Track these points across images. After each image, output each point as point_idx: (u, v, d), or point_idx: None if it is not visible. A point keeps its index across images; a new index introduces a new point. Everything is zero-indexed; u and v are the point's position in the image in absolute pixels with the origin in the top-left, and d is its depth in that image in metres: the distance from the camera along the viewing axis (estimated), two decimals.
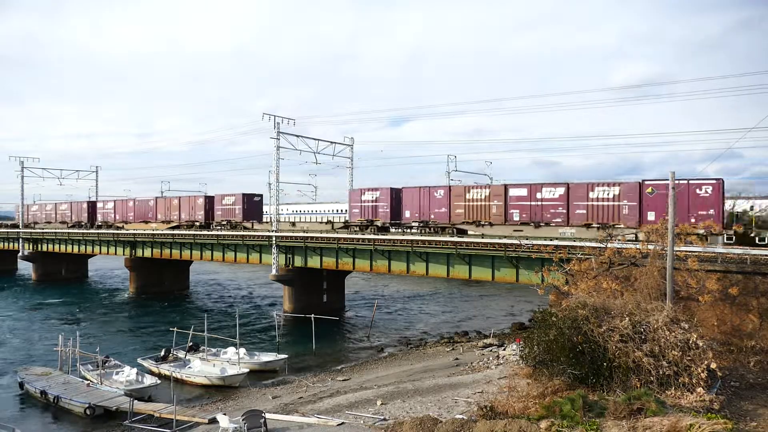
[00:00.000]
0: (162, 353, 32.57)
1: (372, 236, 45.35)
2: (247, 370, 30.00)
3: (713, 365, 15.37)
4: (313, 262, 48.74)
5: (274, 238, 50.60)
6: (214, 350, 33.72)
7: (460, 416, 15.56)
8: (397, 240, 43.43)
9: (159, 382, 27.90)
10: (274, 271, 50.37)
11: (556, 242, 33.77)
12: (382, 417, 17.69)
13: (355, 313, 53.86)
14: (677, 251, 23.57)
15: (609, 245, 28.40)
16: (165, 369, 30.24)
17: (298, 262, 49.97)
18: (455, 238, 40.51)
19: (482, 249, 37.99)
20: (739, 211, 38.74)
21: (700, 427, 11.68)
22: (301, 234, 51.44)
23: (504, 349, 30.61)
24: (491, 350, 31.68)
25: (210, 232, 61.40)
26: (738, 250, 28.08)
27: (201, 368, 30.72)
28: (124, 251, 66.23)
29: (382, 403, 19.81)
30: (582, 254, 29.56)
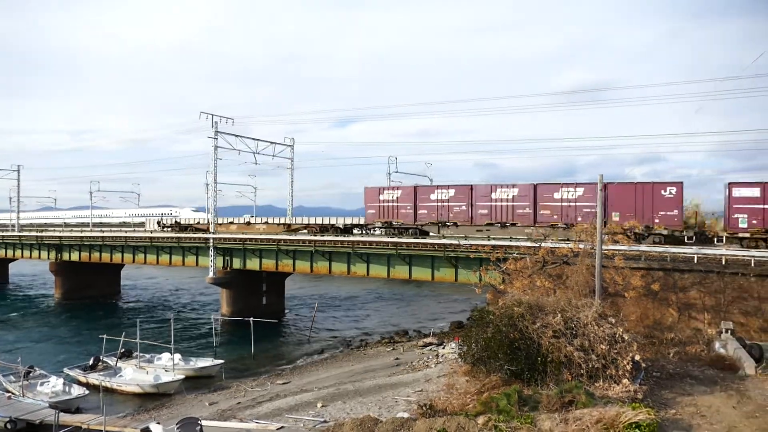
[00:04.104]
0: (91, 362, 31.04)
1: (312, 237, 45.02)
2: (182, 376, 29.05)
3: (637, 357, 16.23)
4: (253, 264, 47.83)
5: (211, 240, 49.29)
6: (147, 357, 32.44)
7: (401, 415, 15.71)
8: (338, 241, 43.32)
9: (87, 392, 26.58)
10: (211, 274, 49.05)
11: (492, 242, 34.69)
12: (322, 419, 17.61)
13: (296, 315, 53.29)
14: (605, 250, 24.77)
15: (543, 245, 29.47)
16: (94, 378, 28.83)
17: (237, 264, 48.89)
18: (395, 239, 40.88)
19: (422, 249, 38.50)
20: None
21: (625, 416, 12.32)
22: (240, 235, 50.38)
23: (443, 348, 31.14)
24: (431, 349, 32.15)
25: (143, 234, 59.17)
26: (659, 249, 29.83)
27: (133, 376, 29.49)
28: (48, 255, 62.60)
29: (322, 405, 19.70)
30: (518, 254, 30.54)
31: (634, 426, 11.98)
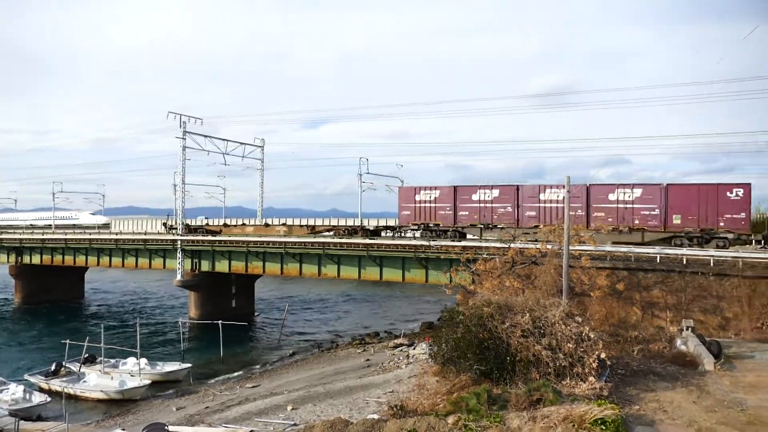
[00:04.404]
0: (53, 367, 30.11)
1: (282, 239, 44.67)
2: (148, 381, 28.46)
3: (603, 355, 16.58)
4: (222, 266, 47.19)
5: (179, 242, 48.43)
6: (112, 362, 31.65)
7: (371, 417, 15.71)
8: (309, 242, 43.09)
9: (49, 399, 25.77)
10: (179, 277, 48.20)
11: (463, 243, 35.02)
12: (292, 422, 17.47)
13: (266, 317, 52.78)
14: (572, 250, 25.24)
15: (512, 245, 29.86)
16: (56, 385, 27.99)
17: (206, 266, 48.16)
18: (366, 240, 40.86)
19: (393, 251, 38.60)
20: None
21: (591, 413, 12.58)
22: (209, 237, 49.64)
23: (414, 349, 31.24)
24: (401, 350, 32.23)
25: (108, 237, 57.77)
26: (623, 249, 30.56)
27: (97, 382, 28.74)
28: (8, 258, 60.55)
29: (292, 408, 19.56)
30: (487, 254, 30.87)
31: (599, 422, 12.23)
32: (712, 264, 27.38)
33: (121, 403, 26.53)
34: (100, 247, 54.76)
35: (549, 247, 27.78)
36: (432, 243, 37.31)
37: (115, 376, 29.35)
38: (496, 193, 37.09)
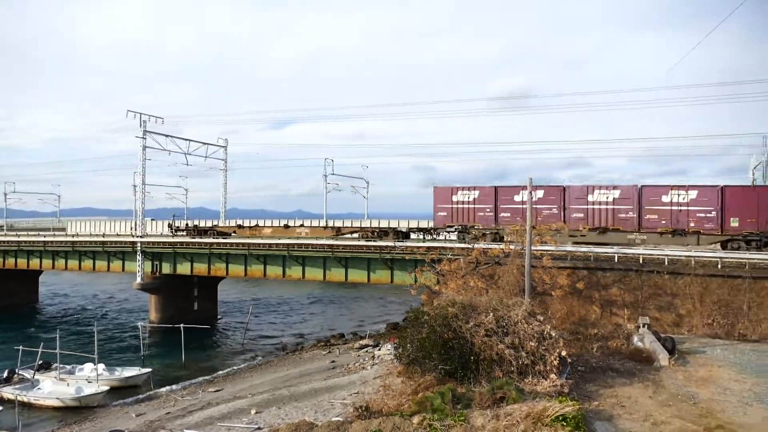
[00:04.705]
0: (5, 374, 29.00)
1: (247, 240, 44.11)
2: (106, 387, 27.66)
3: (564, 353, 16.96)
4: (183, 268, 46.28)
5: (139, 244, 47.24)
6: (68, 368, 30.61)
7: (336, 418, 15.66)
8: (273, 244, 42.67)
9: (1, 408, 24.78)
10: (139, 280, 47.03)
11: (428, 244, 35.26)
12: (256, 426, 17.26)
13: (229, 320, 51.98)
14: (534, 250, 25.75)
15: (475, 246, 30.25)
16: (8, 392, 26.91)
17: (167, 269, 47.14)
18: (330, 241, 40.70)
19: (358, 251, 38.59)
20: None
21: (552, 409, 12.85)
22: (170, 239, 48.60)
23: (379, 349, 31.29)
24: (367, 351, 32.23)
25: (64, 239, 55.91)
26: (583, 248, 31.32)
27: (53, 389, 27.77)
28: None
29: (256, 412, 19.31)
30: (452, 255, 31.19)
31: (560, 419, 12.50)
32: (666, 263, 28.35)
33: (78, 411, 25.70)
34: (56, 249, 52.93)
35: (512, 247, 28.27)
36: (397, 243, 37.48)
37: (71, 382, 28.42)
38: (540, 194, 35.57)
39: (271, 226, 52.26)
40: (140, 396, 27.92)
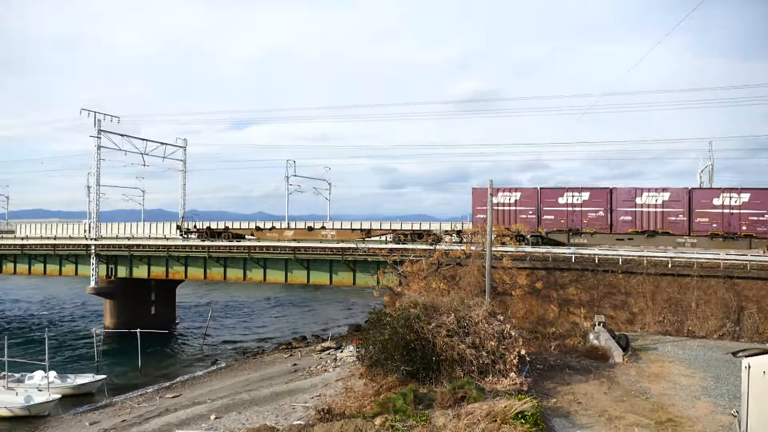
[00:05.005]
0: None
1: (205, 243, 43.32)
2: (58, 395, 26.63)
3: (523, 352, 17.29)
4: (140, 272, 45.06)
5: (93, 247, 45.76)
6: (17, 376, 29.31)
7: (298, 422, 15.53)
8: (233, 246, 42.05)
9: None
10: (93, 284, 45.57)
11: (390, 245, 35.36)
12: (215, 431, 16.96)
13: (188, 324, 50.86)
14: (495, 251, 26.17)
15: (437, 247, 30.52)
16: None
17: (123, 272, 45.82)
18: (293, 243, 40.36)
19: (320, 253, 38.42)
20: None
21: (512, 407, 13.08)
22: (126, 242, 47.27)
23: (342, 352, 31.18)
24: (329, 353, 32.07)
25: (12, 242, 53.71)
26: (542, 249, 32.02)
27: (0, 398, 26.57)
28: None
29: (216, 417, 18.96)
30: (414, 256, 31.39)
31: (520, 416, 12.75)
32: (620, 263, 29.26)
33: (28, 420, 24.67)
34: (4, 253, 50.75)
35: (473, 248, 28.65)
36: (359, 245, 37.48)
37: (20, 391, 27.22)
38: (586, 196, 34.77)
39: (294, 228, 49.55)
40: (94, 404, 27.03)
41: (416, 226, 47.95)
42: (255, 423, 16.70)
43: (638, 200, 33.75)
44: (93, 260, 45.39)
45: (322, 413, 14.53)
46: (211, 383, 29.30)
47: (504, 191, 36.45)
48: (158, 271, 44.23)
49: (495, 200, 35.43)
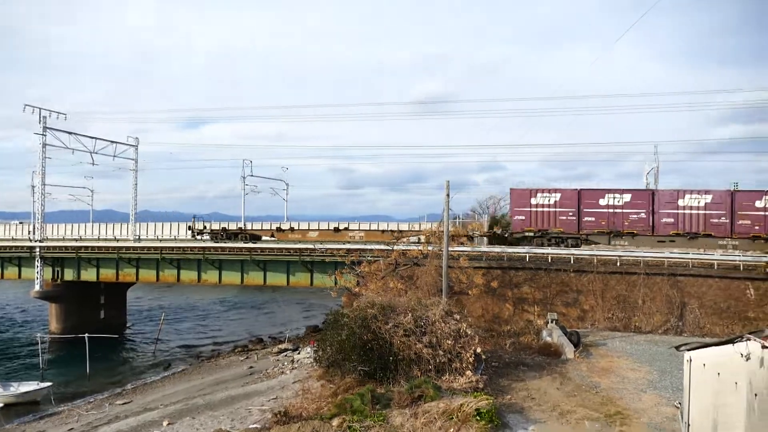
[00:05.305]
0: None
1: (158, 244, 42.20)
2: (0, 405, 25.44)
3: (479, 350, 17.59)
4: (89, 274, 43.46)
5: (37, 249, 43.84)
6: None
7: (254, 425, 15.34)
8: (188, 248, 41.13)
9: None
10: (37, 287, 43.65)
11: (347, 246, 35.32)
12: None
13: (140, 328, 49.39)
14: (451, 251, 26.50)
15: (395, 248, 30.68)
16: None
17: (70, 275, 44.08)
18: (249, 244, 39.80)
19: (277, 254, 38.03)
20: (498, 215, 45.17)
21: (468, 405, 13.28)
22: (74, 243, 45.52)
23: (299, 353, 30.95)
24: (286, 355, 31.78)
25: None
26: (497, 249, 32.64)
27: None
28: None
29: (169, 423, 18.50)
30: (372, 257, 31.44)
31: (476, 413, 12.96)
32: (572, 261, 30.13)
33: None
34: None
35: (430, 248, 28.93)
36: (317, 246, 37.31)
37: None
38: (627, 197, 34.54)
39: (318, 230, 47.35)
40: (40, 413, 25.91)
41: (374, 227, 47.97)
42: (210, 428, 16.40)
43: (680, 202, 33.75)
44: (37, 263, 43.50)
45: (278, 416, 14.38)
46: (164, 388, 28.56)
47: (543, 192, 36.05)
48: (108, 274, 42.79)
49: (534, 201, 35.93)
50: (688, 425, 12.97)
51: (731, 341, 10.54)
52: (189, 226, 51.58)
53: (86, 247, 44.32)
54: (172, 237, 56.26)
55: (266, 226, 51.13)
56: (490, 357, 20.18)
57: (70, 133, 48.59)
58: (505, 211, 46.41)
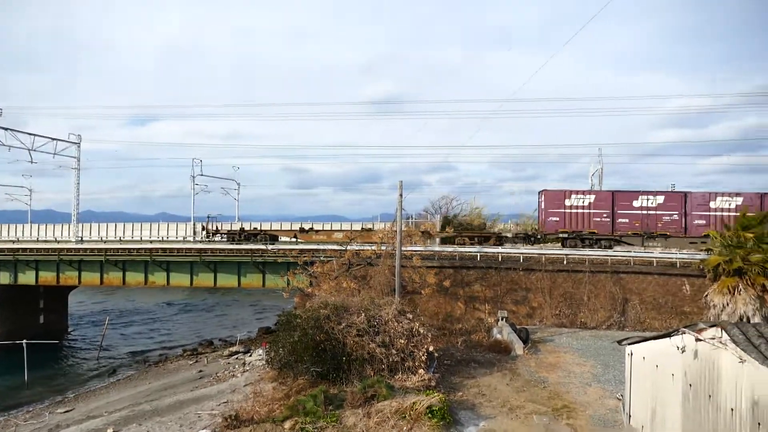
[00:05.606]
0: None
1: (102, 246, 40.68)
2: None
3: (431, 348, 17.79)
4: (27, 277, 41.40)
5: None
6: None
7: (203, 431, 15.02)
8: (134, 249, 39.81)
9: None
10: None
11: (300, 246, 35.03)
12: None
13: (82, 333, 47.44)
14: (405, 251, 26.69)
15: (348, 248, 30.62)
16: None
17: (5, 278, 41.86)
18: (198, 245, 38.88)
19: (228, 255, 37.32)
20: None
21: (420, 403, 13.42)
22: (10, 245, 43.26)
23: (250, 356, 30.48)
24: (237, 358, 31.23)
25: None
26: (449, 248, 33.09)
27: None
28: None
29: (113, 431, 17.88)
30: (325, 257, 31.29)
31: (428, 411, 13.11)
32: (522, 260, 30.89)
33: None
34: None
35: (383, 248, 29.04)
36: (269, 246, 36.84)
37: None
38: (660, 199, 35.05)
39: (343, 230, 44.64)
40: None
41: (327, 227, 47.59)
42: None
43: (712, 204, 34.63)
44: None
45: (229, 420, 14.12)
46: (109, 395, 27.54)
47: (577, 194, 36.39)
48: (48, 277, 40.88)
49: (568, 203, 36.25)
50: (629, 416, 13.54)
51: (668, 335, 11.06)
52: (203, 226, 48.91)
53: (24, 249, 42.21)
54: (117, 238, 54.32)
55: (286, 227, 48.34)
56: (443, 355, 20.46)
57: (5, 129, 46.16)
58: (458, 211, 47.12)
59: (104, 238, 54.50)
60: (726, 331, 8.84)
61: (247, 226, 49.26)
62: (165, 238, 53.85)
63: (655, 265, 30.22)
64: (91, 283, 41.15)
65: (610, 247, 34.57)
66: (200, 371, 29.24)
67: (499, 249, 32.72)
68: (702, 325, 9.81)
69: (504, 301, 29.60)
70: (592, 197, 36.19)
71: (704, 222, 34.39)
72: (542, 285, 29.79)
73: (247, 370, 26.16)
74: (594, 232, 35.44)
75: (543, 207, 37.27)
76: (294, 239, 42.95)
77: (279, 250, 35.62)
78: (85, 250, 40.86)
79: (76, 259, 40.08)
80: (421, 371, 16.75)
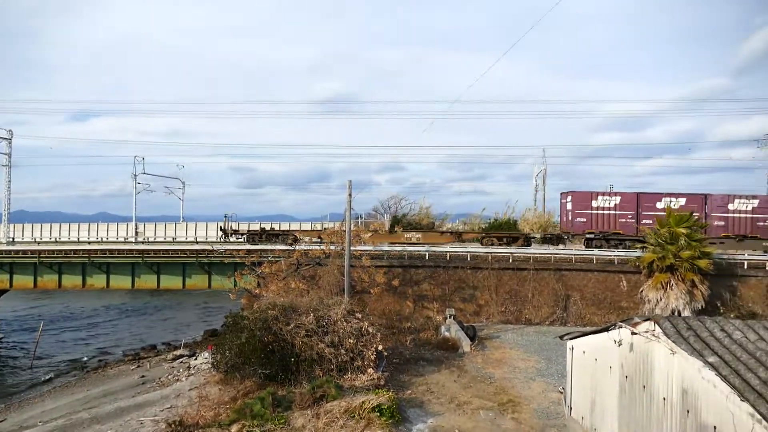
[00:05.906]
0: None
1: (36, 247, 38.69)
2: None
3: (380, 347, 17.88)
4: None
5: None
6: None
7: None
8: (71, 251, 38.07)
9: None
10: None
11: (247, 246, 34.44)
12: None
13: (13, 340, 44.90)
14: (353, 250, 26.67)
15: (296, 248, 30.34)
16: None
17: None
18: (140, 246, 37.57)
19: (172, 256, 36.28)
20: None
21: (369, 402, 13.47)
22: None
23: (196, 359, 29.68)
24: (182, 362, 30.34)
25: None
26: (398, 248, 33.32)
27: None
28: None
29: None
30: (273, 257, 30.88)
31: (377, 410, 13.17)
32: (469, 259, 31.46)
33: None
34: None
35: (332, 248, 28.93)
36: (216, 247, 36.04)
37: None
38: (682, 201, 35.47)
39: (368, 230, 43.04)
40: None
41: (275, 227, 46.85)
42: None
43: (730, 206, 35.45)
44: None
45: (173, 426, 13.77)
46: (44, 404, 26.21)
47: (603, 195, 36.98)
48: None
49: (594, 204, 36.77)
50: (571, 408, 14.03)
51: (606, 329, 11.54)
52: (220, 227, 46.11)
53: None
54: (53, 239, 51.75)
55: (306, 227, 45.91)
56: (392, 354, 20.59)
57: None
58: (407, 211, 47.49)
59: (38, 239, 51.82)
60: (658, 325, 9.31)
61: (256, 226, 47.35)
62: (105, 239, 51.91)
63: (595, 262, 31.43)
64: (23, 286, 39.09)
65: (632, 247, 35.10)
66: (143, 376, 28.26)
67: (447, 248, 33.19)
68: (637, 319, 10.29)
69: (452, 300, 30.07)
70: (618, 199, 36.83)
71: (723, 223, 35.36)
72: (489, 283, 30.44)
73: (193, 374, 25.48)
74: (619, 233, 36.04)
75: (570, 208, 37.57)
76: (318, 240, 40.19)
77: (226, 250, 34.90)
78: (17, 252, 38.78)
79: (7, 261, 37.96)
80: (370, 370, 16.82)
